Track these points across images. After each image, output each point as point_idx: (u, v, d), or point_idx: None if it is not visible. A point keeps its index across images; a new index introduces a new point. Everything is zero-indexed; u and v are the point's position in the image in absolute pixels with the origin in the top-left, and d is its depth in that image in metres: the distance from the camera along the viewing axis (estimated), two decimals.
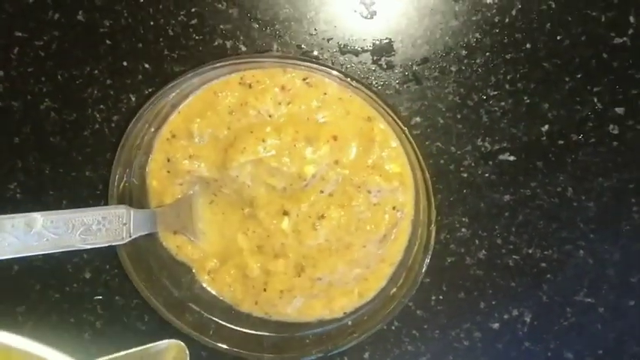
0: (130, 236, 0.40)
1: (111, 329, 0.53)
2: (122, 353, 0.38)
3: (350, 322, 0.47)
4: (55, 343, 0.53)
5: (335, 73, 0.40)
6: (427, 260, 0.43)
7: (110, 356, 0.37)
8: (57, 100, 0.50)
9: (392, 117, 0.40)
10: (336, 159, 0.44)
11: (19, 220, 0.35)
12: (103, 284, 0.52)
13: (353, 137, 0.44)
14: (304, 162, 0.44)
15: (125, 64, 0.49)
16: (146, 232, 0.43)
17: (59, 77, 0.49)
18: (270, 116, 0.44)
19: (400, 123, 0.40)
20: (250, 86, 0.43)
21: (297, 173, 0.44)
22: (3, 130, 0.50)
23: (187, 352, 0.40)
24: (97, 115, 0.50)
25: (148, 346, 0.38)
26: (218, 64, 0.40)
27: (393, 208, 0.45)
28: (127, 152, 0.43)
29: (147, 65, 0.49)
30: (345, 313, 0.47)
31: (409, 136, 0.40)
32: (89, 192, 0.51)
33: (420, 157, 0.41)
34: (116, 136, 0.50)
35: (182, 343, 0.40)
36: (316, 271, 0.46)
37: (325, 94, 0.43)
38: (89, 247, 0.39)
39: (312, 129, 0.44)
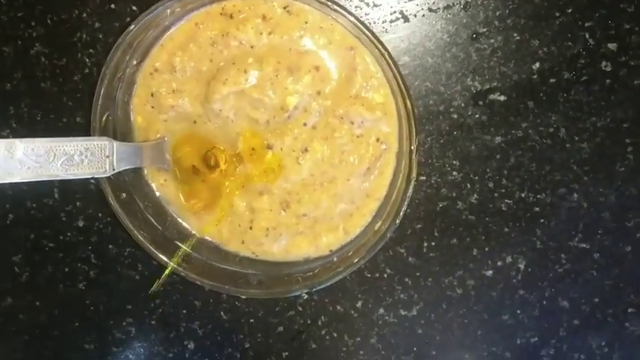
0: (114, 169, 0.40)
1: (105, 278, 0.53)
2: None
3: (335, 259, 0.47)
4: (51, 295, 0.54)
5: None
6: (410, 191, 0.43)
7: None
8: (47, 45, 0.50)
9: (374, 44, 0.40)
10: (318, 89, 0.44)
11: None
12: (96, 232, 0.53)
13: (335, 67, 0.43)
14: (286, 92, 0.43)
15: (113, 6, 0.49)
16: (130, 167, 0.43)
17: (48, 21, 0.50)
18: (252, 47, 0.44)
19: (382, 49, 0.40)
20: (231, 16, 0.43)
21: (280, 104, 0.44)
22: None
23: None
24: (87, 60, 0.50)
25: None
26: None
27: (377, 140, 0.45)
28: (109, 84, 0.43)
29: (134, 7, 0.49)
30: (330, 250, 0.47)
31: (389, 60, 0.40)
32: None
33: (403, 84, 0.40)
34: None
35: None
36: (301, 207, 0.46)
37: (306, 22, 0.43)
38: (71, 177, 0.39)
39: (294, 59, 0.43)
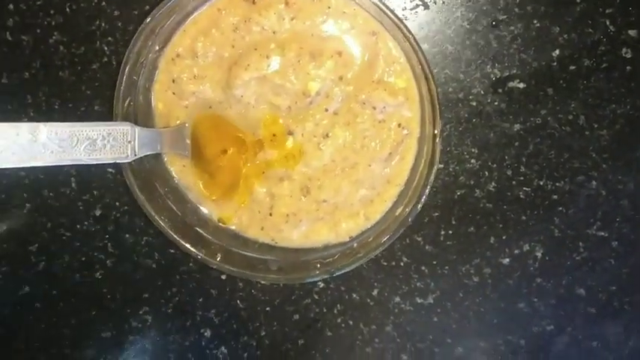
0: (135, 155, 0.40)
1: (122, 267, 0.54)
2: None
3: (355, 245, 0.47)
4: (68, 283, 0.54)
5: None
6: (432, 176, 0.43)
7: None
8: (65, 34, 0.50)
9: (397, 27, 0.40)
10: (340, 75, 0.44)
11: (23, 128, 0.35)
12: (113, 222, 0.53)
13: (358, 52, 0.43)
14: (308, 78, 0.43)
15: None
16: (151, 152, 0.43)
17: (67, 10, 0.50)
18: (274, 32, 0.43)
19: (405, 31, 0.40)
20: (254, 2, 0.43)
21: (302, 90, 0.44)
22: (13, 65, 0.51)
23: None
24: (105, 48, 0.50)
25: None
26: None
27: (399, 125, 0.45)
28: (131, 70, 0.43)
29: None
30: (350, 237, 0.47)
31: (414, 44, 0.40)
32: None
33: (426, 67, 0.40)
34: None
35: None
36: (321, 192, 0.46)
37: (329, 7, 0.43)
38: (94, 162, 0.39)
39: (316, 44, 0.43)
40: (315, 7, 0.43)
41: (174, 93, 0.45)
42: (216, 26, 0.43)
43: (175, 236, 0.45)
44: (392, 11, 0.40)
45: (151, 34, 0.42)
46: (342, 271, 0.46)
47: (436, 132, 0.41)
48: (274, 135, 0.45)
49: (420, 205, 0.43)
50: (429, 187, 0.43)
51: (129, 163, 0.42)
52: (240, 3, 0.43)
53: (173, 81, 0.45)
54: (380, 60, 0.43)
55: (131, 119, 0.44)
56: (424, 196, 0.43)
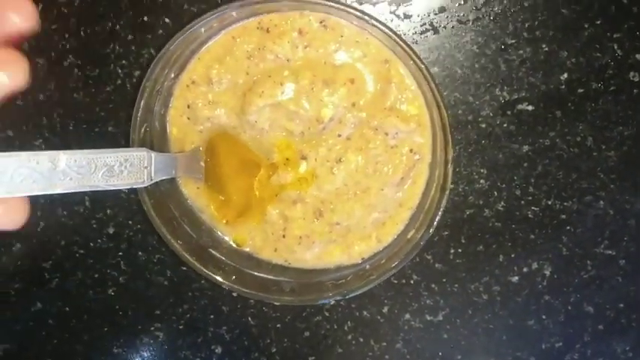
0: (151, 179, 0.41)
1: (134, 284, 0.54)
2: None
3: (368, 266, 0.47)
4: (80, 300, 0.55)
5: (352, 11, 0.40)
6: (444, 201, 0.43)
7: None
8: (80, 57, 0.51)
9: (410, 56, 0.40)
10: (353, 102, 0.45)
11: (43, 157, 0.35)
12: (126, 240, 0.54)
13: (370, 80, 0.44)
14: (321, 105, 0.44)
15: (146, 19, 0.50)
16: (166, 177, 0.43)
17: (82, 34, 0.50)
18: (288, 60, 0.44)
19: (417, 61, 0.40)
20: (268, 30, 0.44)
21: (315, 116, 0.44)
22: (28, 87, 0.51)
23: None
24: (119, 71, 0.51)
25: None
26: (236, 3, 0.40)
27: (410, 150, 0.45)
28: (148, 97, 0.43)
29: (167, 20, 0.50)
30: (362, 258, 0.48)
31: (426, 73, 0.40)
32: (112, 147, 0.51)
33: (438, 94, 0.41)
34: (138, 91, 0.51)
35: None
36: (334, 215, 0.46)
37: (342, 36, 0.44)
38: (112, 188, 0.39)
39: (330, 72, 0.44)
40: (328, 35, 0.43)
41: (188, 118, 0.46)
42: (231, 54, 0.44)
43: (190, 258, 0.46)
44: (404, 40, 0.40)
45: (166, 64, 0.43)
46: (355, 293, 0.46)
47: (448, 158, 0.42)
48: (287, 159, 0.46)
49: (432, 230, 0.44)
50: (440, 210, 0.44)
51: (145, 187, 0.43)
52: (255, 31, 0.44)
53: (188, 106, 0.46)
54: (392, 87, 0.44)
55: (147, 145, 0.45)
56: (436, 221, 0.43)
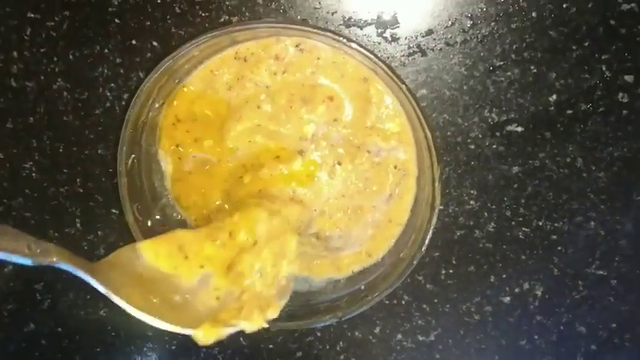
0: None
1: None
2: None
3: (363, 287, 0.47)
4: (72, 321, 0.55)
5: (329, 34, 0.40)
6: (434, 219, 0.43)
7: None
8: (69, 80, 0.51)
9: (387, 74, 0.40)
10: (334, 117, 0.44)
11: None
12: None
13: (349, 98, 0.44)
14: (302, 122, 0.44)
15: (134, 42, 0.50)
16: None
17: (71, 57, 0.50)
18: (267, 87, 0.44)
19: (396, 79, 0.40)
20: (245, 60, 0.44)
21: (298, 135, 0.44)
22: (18, 111, 0.52)
23: None
24: (108, 94, 0.51)
25: None
26: (213, 33, 0.40)
27: (394, 167, 0.45)
28: (133, 129, 0.43)
29: (155, 43, 0.50)
30: (353, 271, 0.47)
31: (407, 92, 0.40)
32: (102, 169, 0.52)
33: (420, 114, 0.40)
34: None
35: None
36: (326, 231, 0.46)
37: (319, 58, 0.44)
38: None
39: (307, 91, 0.44)
40: (304, 59, 0.43)
41: (179, 158, 0.46)
42: (211, 87, 0.44)
43: None
44: (380, 58, 0.40)
45: (150, 94, 0.43)
46: (351, 315, 0.46)
47: (435, 176, 0.42)
48: (278, 156, 0.45)
49: (424, 248, 0.44)
50: (431, 229, 0.43)
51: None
52: (232, 62, 0.44)
53: (177, 146, 0.46)
54: (372, 106, 0.44)
55: (135, 175, 0.45)
56: (427, 239, 0.43)
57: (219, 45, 0.43)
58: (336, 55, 0.44)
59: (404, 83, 0.41)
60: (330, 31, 0.39)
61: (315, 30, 0.40)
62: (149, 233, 0.45)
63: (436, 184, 0.43)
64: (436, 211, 0.44)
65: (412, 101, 0.42)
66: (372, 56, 0.41)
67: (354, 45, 0.41)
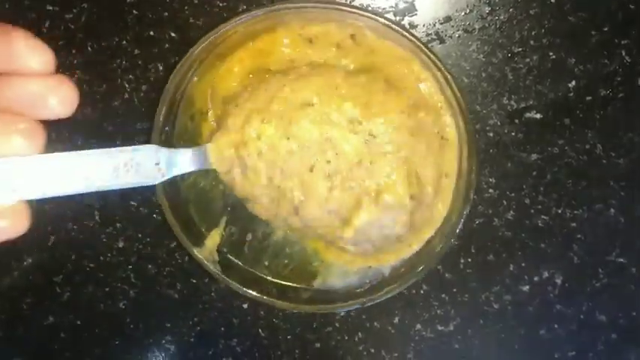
0: (163, 176, 0.39)
1: (144, 297, 0.54)
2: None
3: (387, 275, 0.47)
4: (92, 314, 0.55)
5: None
6: (467, 210, 0.43)
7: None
8: (87, 72, 0.51)
9: (441, 71, 0.40)
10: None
11: (53, 158, 0.35)
12: (136, 253, 0.54)
13: None
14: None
15: (152, 33, 0.50)
16: (179, 173, 0.41)
17: (89, 49, 0.51)
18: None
19: (448, 76, 0.40)
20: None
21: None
22: None
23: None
24: (127, 85, 0.51)
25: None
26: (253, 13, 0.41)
27: None
28: (172, 99, 0.43)
29: (173, 34, 0.50)
30: (390, 265, 0.47)
31: (454, 87, 0.40)
32: None
33: (465, 109, 0.40)
34: (145, 105, 0.51)
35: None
36: None
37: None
38: (122, 186, 0.36)
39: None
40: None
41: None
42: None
43: (208, 264, 0.46)
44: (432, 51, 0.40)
45: (190, 67, 0.43)
46: (375, 302, 0.46)
47: (473, 167, 0.41)
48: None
49: (452, 238, 0.43)
50: (462, 220, 0.43)
51: (165, 192, 0.42)
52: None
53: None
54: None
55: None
56: (457, 229, 0.43)
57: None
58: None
59: (451, 74, 0.42)
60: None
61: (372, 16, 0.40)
62: None
63: (472, 175, 0.43)
64: (469, 202, 0.44)
65: (457, 94, 0.41)
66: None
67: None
